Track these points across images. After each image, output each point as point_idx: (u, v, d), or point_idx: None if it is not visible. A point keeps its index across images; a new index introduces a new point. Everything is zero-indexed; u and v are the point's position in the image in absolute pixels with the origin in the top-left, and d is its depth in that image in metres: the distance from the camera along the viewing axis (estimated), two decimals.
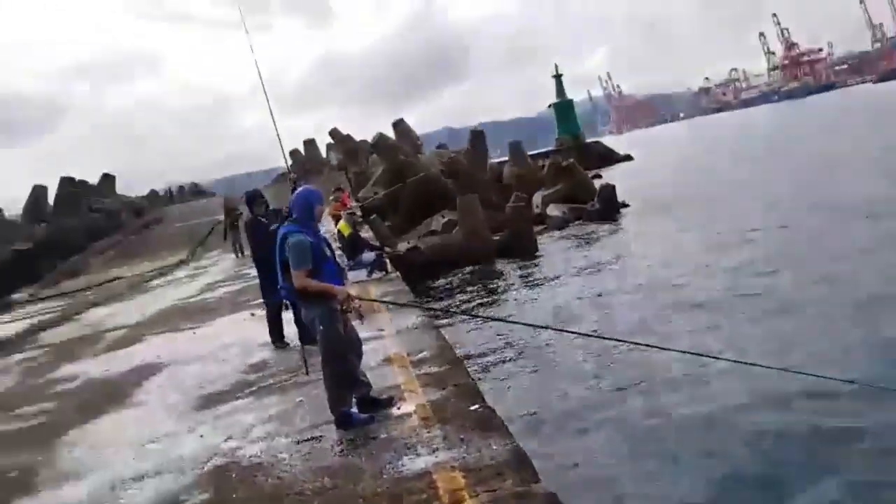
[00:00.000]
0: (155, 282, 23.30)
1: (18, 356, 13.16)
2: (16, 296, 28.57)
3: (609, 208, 28.69)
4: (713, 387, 7.67)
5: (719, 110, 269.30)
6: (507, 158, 42.13)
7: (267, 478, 4.74)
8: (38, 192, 47.09)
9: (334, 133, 55.77)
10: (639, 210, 28.46)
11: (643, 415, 7.37)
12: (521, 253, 23.09)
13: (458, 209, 25.06)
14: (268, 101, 8.03)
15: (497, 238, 24.52)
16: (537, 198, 32.09)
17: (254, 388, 7.11)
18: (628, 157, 66.01)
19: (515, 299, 15.71)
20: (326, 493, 4.30)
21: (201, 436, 5.88)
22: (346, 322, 5.15)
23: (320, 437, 5.23)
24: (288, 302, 5.92)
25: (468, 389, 5.61)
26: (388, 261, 14.37)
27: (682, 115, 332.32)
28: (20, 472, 6.02)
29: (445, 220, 27.24)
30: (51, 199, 46.50)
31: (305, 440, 5.25)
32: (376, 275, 13.57)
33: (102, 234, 42.03)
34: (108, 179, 54.94)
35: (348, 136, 53.82)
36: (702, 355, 7.02)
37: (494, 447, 4.48)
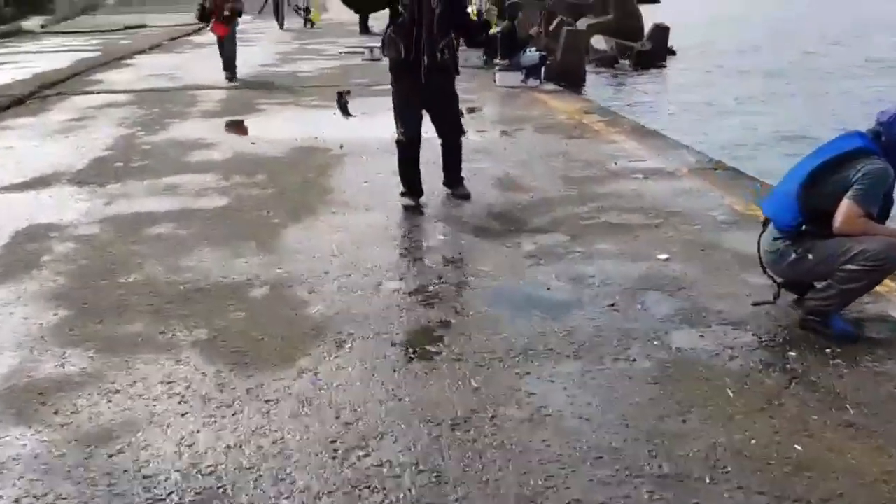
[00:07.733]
0: (196, 38, 21.54)
1: (95, 98, 11.72)
2: (27, 23, 26.49)
3: (660, 51, 27.42)
4: None
5: None
6: None
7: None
8: None
9: None
10: (688, 58, 27.24)
11: None
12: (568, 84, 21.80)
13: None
14: None
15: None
16: (581, 24, 30.30)
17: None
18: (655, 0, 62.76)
19: None
20: None
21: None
22: None
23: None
24: None
25: None
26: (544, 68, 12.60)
27: None
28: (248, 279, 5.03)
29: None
30: None
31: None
32: (532, 82, 12.00)
33: None
34: None
35: None
36: None
37: None
